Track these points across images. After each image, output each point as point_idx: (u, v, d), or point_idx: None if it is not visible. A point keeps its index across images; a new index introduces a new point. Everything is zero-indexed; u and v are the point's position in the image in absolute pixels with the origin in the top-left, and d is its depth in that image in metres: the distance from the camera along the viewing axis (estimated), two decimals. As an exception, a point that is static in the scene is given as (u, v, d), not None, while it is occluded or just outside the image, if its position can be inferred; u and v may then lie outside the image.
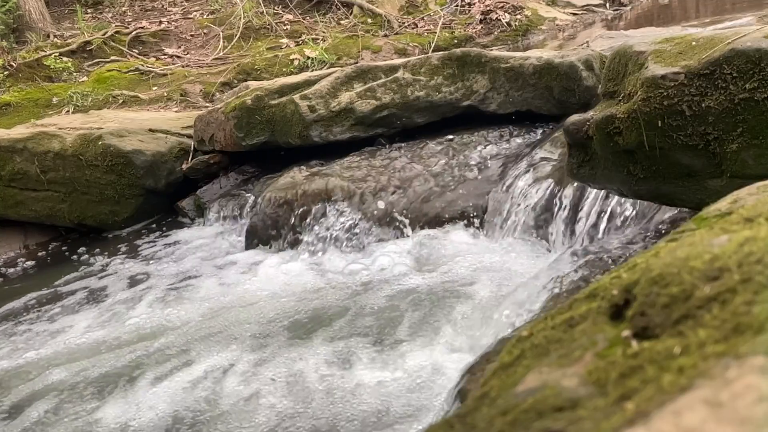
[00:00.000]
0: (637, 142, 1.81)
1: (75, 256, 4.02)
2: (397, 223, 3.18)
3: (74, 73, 7.31)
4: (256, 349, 2.50)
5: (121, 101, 6.44)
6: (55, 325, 3.13)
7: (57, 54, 7.49)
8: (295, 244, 3.36)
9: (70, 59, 7.52)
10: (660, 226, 2.30)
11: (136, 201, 4.21)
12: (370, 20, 8.27)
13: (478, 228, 3.02)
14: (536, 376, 0.64)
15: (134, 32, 8.16)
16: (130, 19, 9.03)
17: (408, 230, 3.14)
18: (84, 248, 4.10)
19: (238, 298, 2.97)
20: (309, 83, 3.87)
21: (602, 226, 2.57)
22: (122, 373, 2.51)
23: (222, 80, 6.71)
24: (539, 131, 3.48)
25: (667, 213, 2.35)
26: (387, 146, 3.74)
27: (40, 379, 2.59)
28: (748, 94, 1.61)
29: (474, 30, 7.99)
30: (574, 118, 2.07)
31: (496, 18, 8.05)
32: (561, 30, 8.05)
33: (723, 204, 0.85)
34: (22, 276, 3.98)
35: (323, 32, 7.89)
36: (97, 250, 4.02)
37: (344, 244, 3.22)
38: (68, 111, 6.28)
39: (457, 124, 3.72)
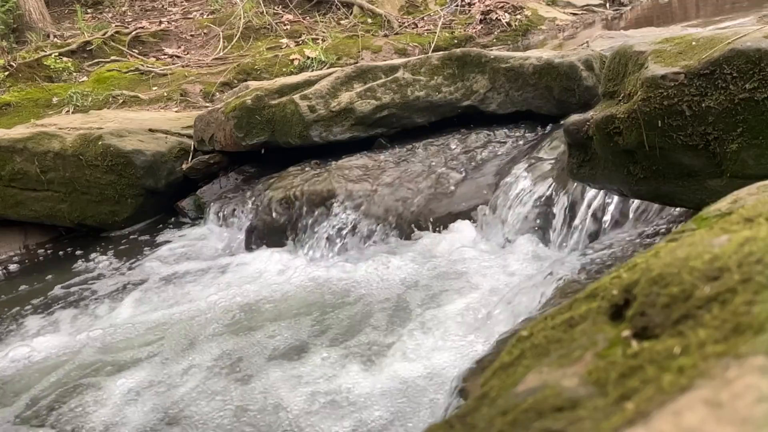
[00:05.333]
0: (637, 142, 1.81)
1: (75, 256, 4.02)
2: (397, 223, 3.18)
3: (74, 73, 7.32)
4: (259, 350, 2.50)
5: (121, 101, 6.44)
6: (52, 324, 3.13)
7: (57, 54, 7.50)
8: (295, 244, 3.36)
9: (70, 59, 7.52)
10: (661, 226, 2.30)
11: (136, 201, 4.21)
12: (370, 20, 8.27)
13: (478, 228, 3.02)
14: (536, 376, 0.64)
15: (134, 32, 8.17)
16: (130, 19, 9.04)
17: (408, 230, 3.14)
18: (84, 248, 4.10)
19: (238, 297, 2.97)
20: (309, 83, 3.87)
21: (602, 225, 2.57)
22: (120, 372, 2.51)
23: (222, 80, 6.71)
24: (539, 131, 3.48)
25: (670, 212, 2.35)
26: (387, 146, 3.74)
27: (30, 377, 2.59)
28: (748, 94, 1.61)
29: (474, 30, 8.00)
30: (574, 118, 2.07)
31: (496, 18, 8.06)
32: (561, 30, 8.05)
33: (723, 204, 0.85)
34: (21, 276, 3.98)
35: (323, 32, 7.89)
36: (97, 250, 4.02)
37: (344, 244, 3.22)
38: (68, 111, 6.28)
39: (457, 124, 3.72)
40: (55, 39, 8.26)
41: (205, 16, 8.77)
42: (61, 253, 4.21)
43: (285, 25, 8.26)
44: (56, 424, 2.28)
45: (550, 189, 2.83)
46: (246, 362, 2.43)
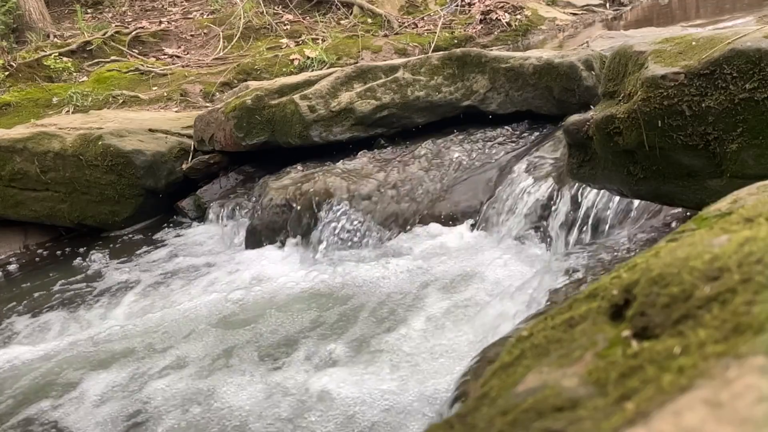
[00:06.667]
0: (637, 142, 1.81)
1: (75, 256, 4.03)
2: (396, 223, 3.18)
3: (74, 73, 7.32)
4: (254, 350, 2.50)
5: (121, 101, 6.44)
6: (51, 324, 3.13)
7: (57, 54, 7.50)
8: (294, 243, 3.36)
9: (70, 59, 7.52)
10: (662, 226, 2.30)
11: (136, 201, 4.21)
12: (370, 20, 8.27)
13: (477, 228, 3.02)
14: (536, 376, 0.64)
15: (134, 32, 8.17)
16: (130, 19, 9.04)
17: (408, 230, 3.14)
18: (84, 248, 4.10)
19: (237, 298, 2.97)
20: (309, 83, 3.87)
21: (603, 225, 2.57)
22: (107, 372, 2.51)
23: (222, 80, 6.71)
24: (539, 131, 3.48)
25: (670, 212, 2.35)
26: (387, 146, 3.74)
27: (26, 376, 2.59)
28: (748, 94, 1.60)
29: (474, 30, 8.00)
30: (574, 118, 2.07)
31: (496, 18, 8.06)
32: (561, 30, 8.05)
33: (723, 204, 0.85)
34: (21, 276, 3.98)
35: (323, 32, 7.89)
36: (97, 250, 4.03)
37: (344, 243, 3.22)
38: (68, 111, 6.28)
39: (457, 124, 3.72)
40: (55, 39, 8.25)
41: (205, 16, 8.77)
42: (61, 253, 4.21)
43: (285, 25, 8.26)
44: (35, 423, 2.29)
45: (550, 189, 2.83)
46: (239, 363, 2.42)
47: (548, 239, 2.76)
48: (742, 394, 0.46)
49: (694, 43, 1.75)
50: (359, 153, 3.69)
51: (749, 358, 0.50)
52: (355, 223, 3.24)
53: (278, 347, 2.50)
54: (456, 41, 7.58)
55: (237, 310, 2.85)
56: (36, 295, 3.55)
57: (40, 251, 4.32)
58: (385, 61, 5.49)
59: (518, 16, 8.09)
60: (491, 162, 3.32)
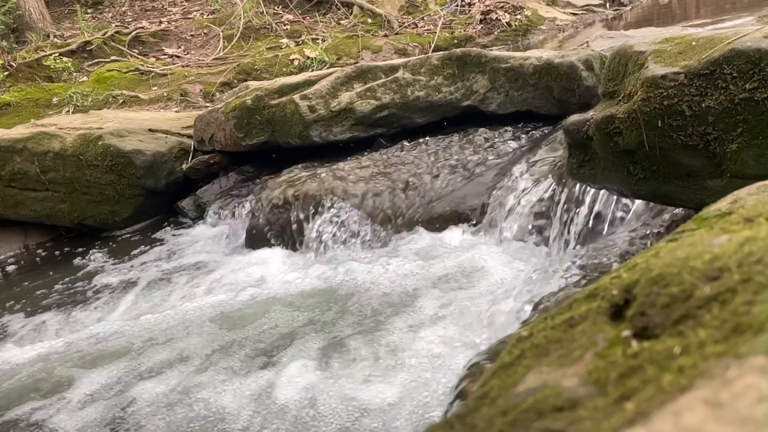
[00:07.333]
0: (637, 142, 1.81)
1: (75, 256, 4.03)
2: (396, 224, 3.18)
3: (74, 73, 7.32)
4: (255, 351, 2.50)
5: (121, 101, 6.44)
6: (48, 325, 3.13)
7: (57, 54, 7.50)
8: (295, 244, 3.36)
9: (70, 59, 7.52)
10: (663, 227, 2.30)
11: (136, 201, 4.21)
12: (370, 20, 8.27)
13: (476, 229, 3.02)
14: (536, 376, 0.64)
15: (134, 32, 8.17)
16: (130, 19, 9.04)
17: (407, 231, 3.14)
18: (83, 248, 4.10)
19: (236, 298, 2.97)
20: (309, 83, 3.88)
21: (602, 226, 2.57)
22: (100, 372, 2.51)
23: (222, 80, 6.71)
24: (539, 131, 3.48)
25: (671, 213, 2.35)
26: (387, 146, 3.74)
27: (22, 377, 2.59)
28: (748, 94, 1.60)
29: (474, 30, 8.00)
30: (574, 118, 2.07)
31: (496, 18, 8.06)
32: (561, 30, 8.05)
33: (723, 204, 0.85)
34: (21, 276, 3.98)
35: (323, 32, 7.89)
36: (97, 250, 4.03)
37: (343, 244, 3.22)
38: (68, 111, 6.28)
39: (457, 124, 3.72)
40: (55, 39, 8.26)
41: (205, 16, 8.77)
42: (60, 253, 4.21)
43: (285, 25, 8.27)
44: (25, 422, 2.30)
45: (550, 189, 2.83)
46: (235, 364, 2.42)
47: (548, 239, 2.76)
48: (742, 394, 0.46)
49: (694, 43, 1.75)
50: (359, 153, 3.69)
51: (749, 358, 0.49)
52: (355, 223, 3.23)
53: (275, 348, 2.49)
54: (456, 41, 7.58)
55: (236, 311, 2.85)
56: (35, 295, 3.55)
57: (39, 251, 4.32)
58: (385, 61, 5.49)
59: (518, 16, 8.09)
60: (491, 162, 3.32)
